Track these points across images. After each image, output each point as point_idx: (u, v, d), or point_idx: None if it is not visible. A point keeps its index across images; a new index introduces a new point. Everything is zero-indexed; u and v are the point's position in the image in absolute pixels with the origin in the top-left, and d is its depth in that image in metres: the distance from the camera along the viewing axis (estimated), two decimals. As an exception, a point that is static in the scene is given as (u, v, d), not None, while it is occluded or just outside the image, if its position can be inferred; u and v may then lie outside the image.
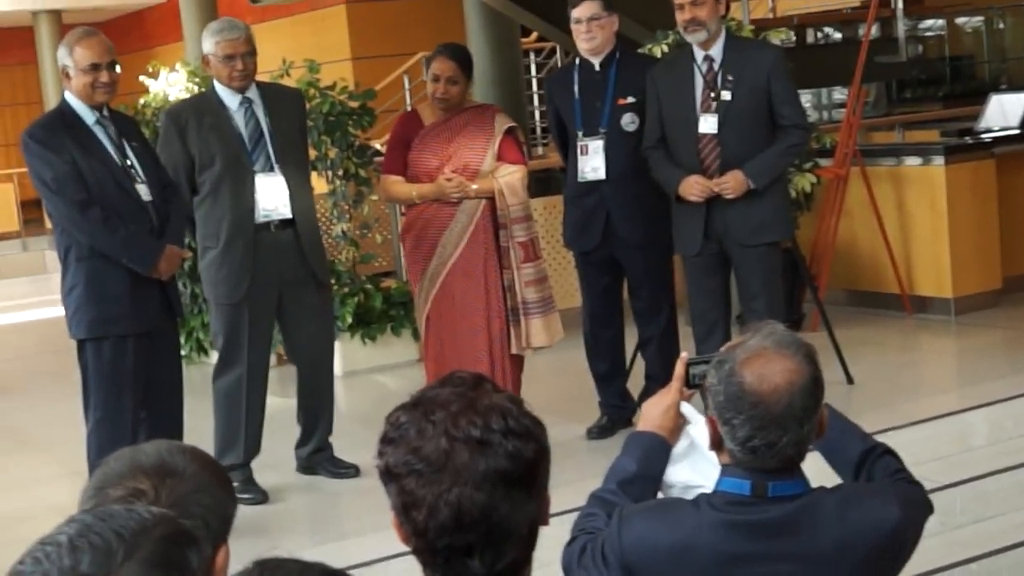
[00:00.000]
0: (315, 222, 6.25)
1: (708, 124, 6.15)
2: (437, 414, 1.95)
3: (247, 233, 5.88)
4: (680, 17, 6.14)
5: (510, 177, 6.19)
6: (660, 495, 2.89)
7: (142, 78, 10.25)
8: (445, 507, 1.91)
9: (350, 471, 6.20)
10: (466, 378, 2.02)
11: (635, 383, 6.69)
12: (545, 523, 2.04)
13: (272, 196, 5.91)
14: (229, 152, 5.88)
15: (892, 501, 2.64)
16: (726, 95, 6.12)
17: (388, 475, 1.98)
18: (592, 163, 6.38)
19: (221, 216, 5.89)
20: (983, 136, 9.33)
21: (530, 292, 6.22)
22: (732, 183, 6.06)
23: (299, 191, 6.00)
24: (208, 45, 5.92)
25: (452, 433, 1.92)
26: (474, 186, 6.13)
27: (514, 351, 6.26)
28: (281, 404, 6.70)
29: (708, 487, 2.67)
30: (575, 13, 6.37)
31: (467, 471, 1.91)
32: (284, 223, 5.95)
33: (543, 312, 6.25)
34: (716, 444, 2.63)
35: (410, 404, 2.00)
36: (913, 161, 8.77)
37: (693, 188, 6.10)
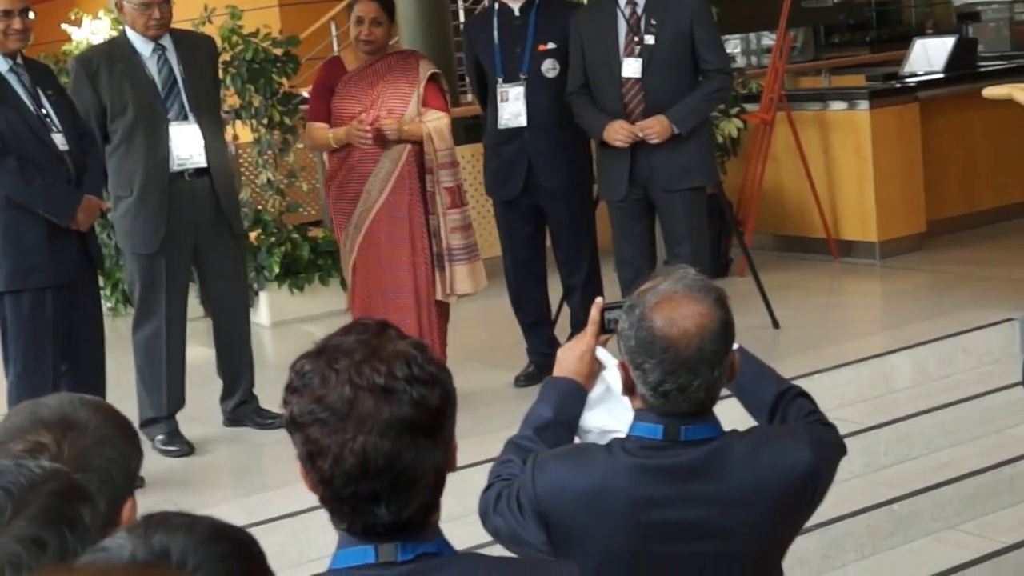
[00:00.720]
0: (229, 171, 6.17)
1: (632, 68, 6.14)
2: (341, 362, 1.93)
3: (162, 182, 5.80)
4: None
5: (437, 122, 6.14)
6: (577, 440, 2.89)
7: (64, 26, 10.09)
8: (350, 455, 1.90)
9: (276, 421, 6.14)
10: (370, 325, 2.01)
11: (563, 331, 6.71)
12: (452, 469, 2.03)
13: (187, 144, 5.82)
14: (142, 100, 5.79)
15: (804, 443, 2.66)
16: (649, 39, 6.12)
17: (293, 424, 1.97)
18: (512, 109, 6.34)
19: (134, 165, 5.81)
20: (908, 80, 9.38)
21: (455, 238, 6.19)
22: (656, 127, 6.06)
23: (213, 140, 5.92)
24: None
25: (356, 381, 1.91)
26: (405, 127, 6.06)
27: (439, 298, 6.23)
28: (207, 356, 6.64)
29: (624, 432, 2.67)
30: (493, -46, 6.33)
31: (371, 419, 1.90)
32: (199, 172, 5.87)
33: (468, 259, 6.23)
34: (628, 389, 2.62)
35: (314, 352, 1.98)
36: (838, 106, 8.80)
37: (617, 133, 6.09)
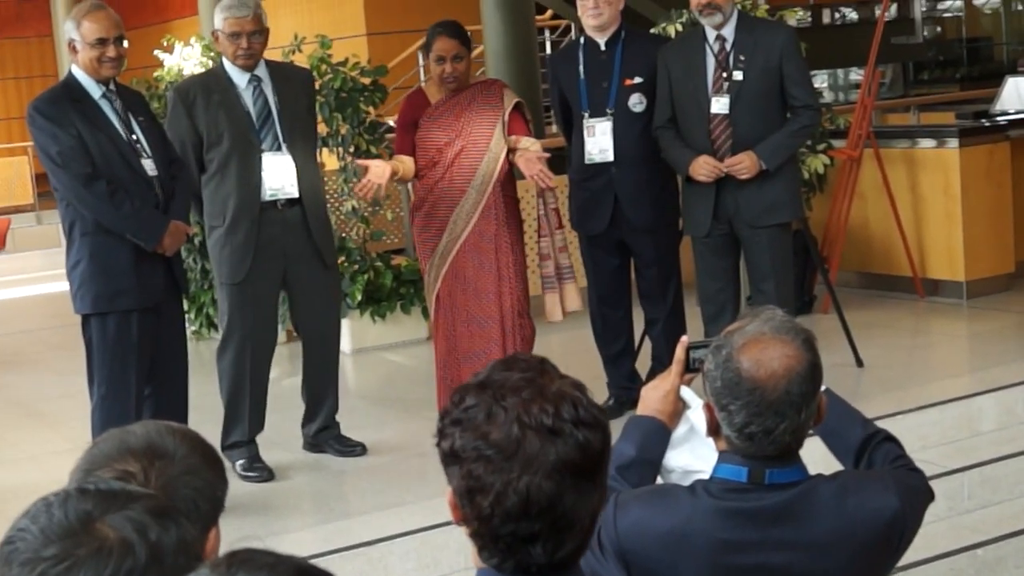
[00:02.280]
0: (322, 202, 6.21)
1: (720, 105, 6.11)
2: (508, 399, 1.91)
3: (253, 212, 5.86)
4: (695, 0, 6.10)
5: (537, 147, 6.18)
6: (659, 480, 2.87)
7: (157, 52, 10.24)
8: (513, 495, 1.88)
9: (356, 449, 6.20)
10: (532, 362, 1.99)
11: (643, 364, 6.68)
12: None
13: (279, 175, 5.88)
14: (237, 130, 5.85)
15: (891, 488, 2.62)
16: (738, 75, 6.09)
17: (452, 457, 1.95)
18: (600, 145, 6.32)
19: (227, 194, 5.87)
20: (998, 119, 9.27)
21: (564, 258, 6.26)
22: (746, 163, 6.03)
23: (306, 170, 5.97)
24: (217, 21, 5.89)
25: (524, 420, 1.89)
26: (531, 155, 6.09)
27: (553, 319, 6.31)
28: (290, 381, 6.69)
29: (707, 472, 2.64)
30: (582, -12, 6.32)
31: (537, 460, 1.88)
32: (290, 202, 5.93)
33: (573, 278, 6.33)
34: (713, 430, 2.60)
35: (476, 386, 1.96)
36: (927, 143, 8.71)
37: (703, 168, 6.07)
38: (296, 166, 5.90)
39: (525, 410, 1.89)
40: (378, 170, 6.12)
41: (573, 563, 1.98)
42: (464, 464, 1.92)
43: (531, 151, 6.12)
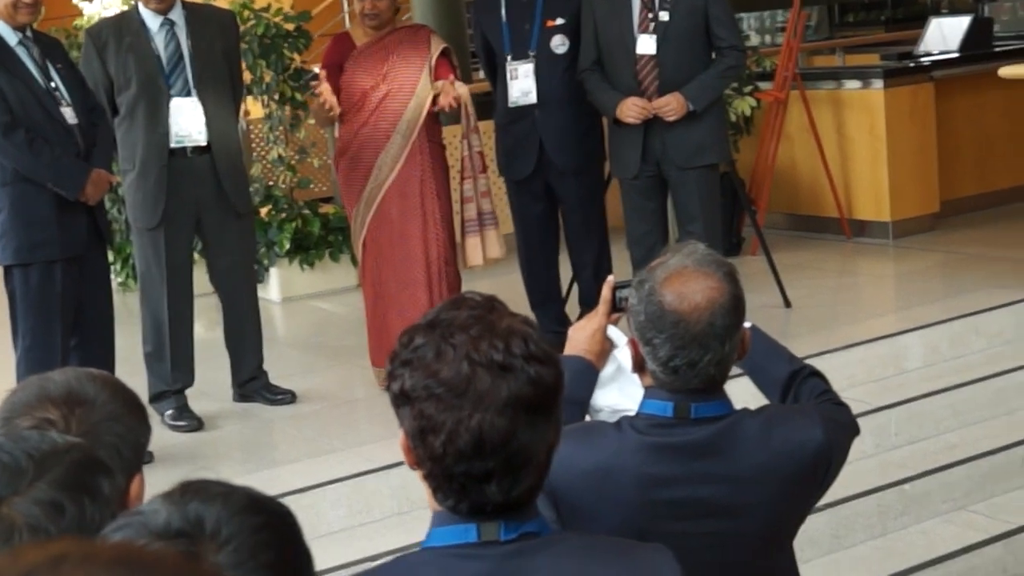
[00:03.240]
0: (235, 149, 6.10)
1: (646, 45, 6.10)
2: (457, 337, 1.89)
3: (162, 158, 5.79)
4: None
5: (463, 89, 6.13)
6: (588, 419, 2.87)
7: (76, 0, 10.07)
8: (465, 432, 1.86)
9: (286, 397, 6.17)
10: (480, 300, 1.97)
11: (572, 310, 6.69)
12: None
13: (187, 121, 5.79)
14: (145, 74, 5.77)
15: (816, 422, 2.63)
16: (664, 15, 6.08)
17: (403, 398, 1.91)
18: (522, 87, 6.30)
19: (136, 139, 5.80)
20: (922, 60, 9.32)
21: (486, 203, 6.21)
22: (673, 104, 6.03)
23: (217, 117, 5.88)
24: None
25: (473, 357, 1.87)
26: (462, 91, 6.03)
27: (473, 264, 6.22)
28: (217, 332, 6.63)
29: (636, 410, 2.65)
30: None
31: (489, 397, 1.86)
32: (200, 149, 5.85)
33: (495, 224, 6.25)
34: (638, 366, 2.60)
35: (425, 325, 1.93)
36: (852, 84, 8.76)
37: (631, 110, 6.06)
38: (206, 112, 5.81)
39: (474, 347, 1.87)
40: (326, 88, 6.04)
41: (529, 501, 1.97)
42: (415, 404, 1.89)
43: (462, 89, 6.09)
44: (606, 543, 2.12)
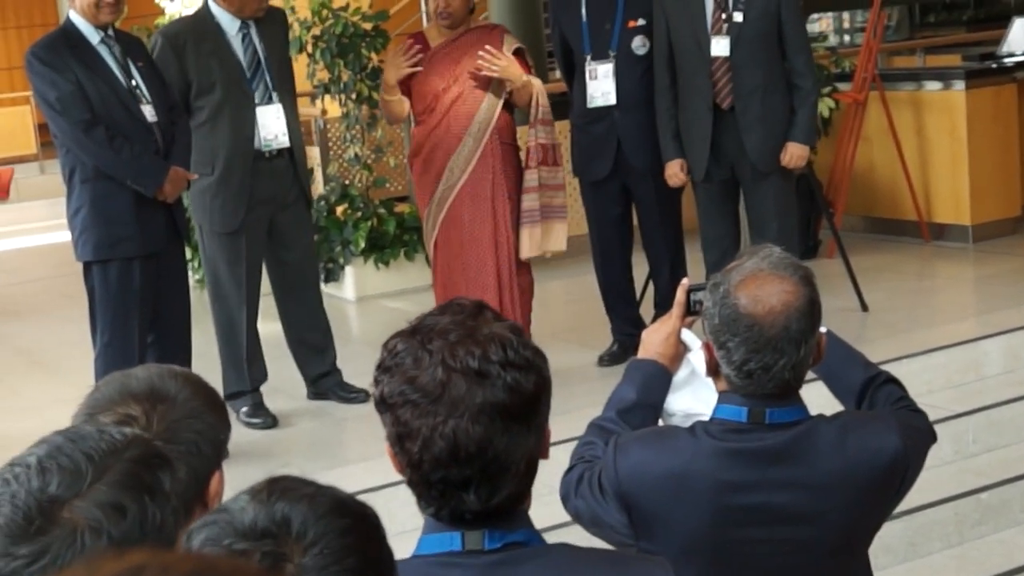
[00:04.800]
0: (304, 146, 6.23)
1: (720, 47, 6.06)
2: (435, 343, 1.88)
3: (247, 163, 5.85)
4: None
5: (538, 83, 6.13)
6: (661, 423, 2.85)
7: (158, 0, 10.17)
8: (440, 439, 1.85)
9: (360, 396, 6.18)
10: (466, 306, 1.96)
11: (648, 310, 6.66)
12: (545, 457, 1.98)
13: (272, 126, 5.87)
14: (231, 80, 5.82)
15: (893, 429, 2.60)
16: (738, 16, 6.03)
17: (383, 404, 1.92)
18: (602, 88, 6.27)
19: (218, 144, 5.83)
20: (1005, 61, 9.20)
21: (555, 196, 6.20)
22: (796, 155, 6.12)
23: (293, 118, 5.98)
24: None
25: (449, 363, 1.86)
26: (503, 61, 6.05)
27: (532, 254, 6.19)
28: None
29: (709, 415, 2.63)
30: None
31: (464, 403, 1.85)
32: (280, 151, 5.92)
33: (563, 216, 6.23)
34: (712, 369, 2.58)
35: (408, 331, 1.94)
36: (933, 86, 8.65)
37: (672, 179, 6.21)
38: (286, 115, 5.90)
39: (451, 353, 1.86)
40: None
41: (514, 510, 1.95)
42: (393, 410, 1.90)
43: (535, 81, 6.11)
44: (601, 555, 2.11)
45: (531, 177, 6.16)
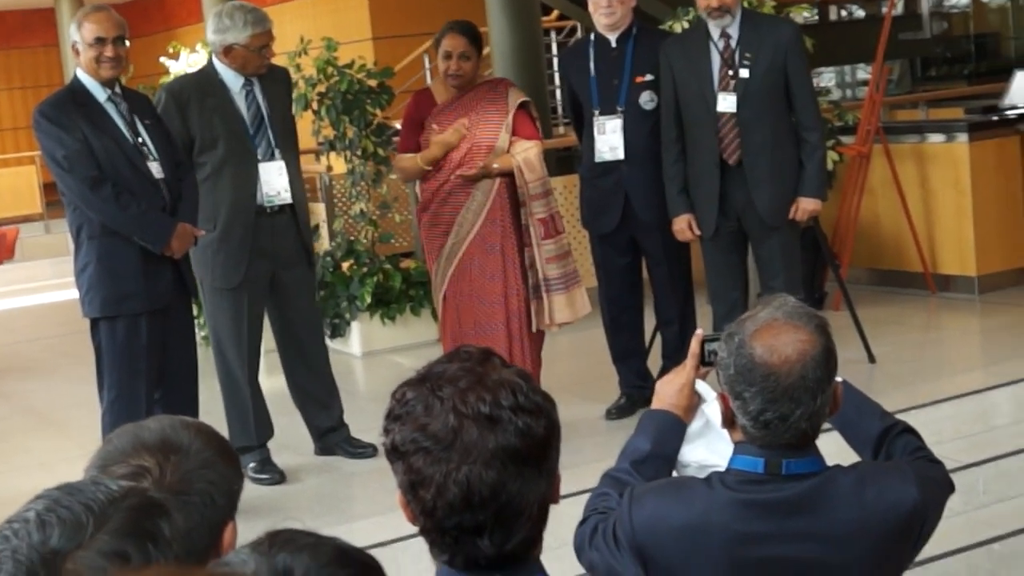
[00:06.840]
0: (306, 202, 6.24)
1: (727, 103, 6.07)
2: (445, 390, 1.89)
3: (248, 219, 5.86)
4: (704, 3, 6.04)
5: (527, 153, 6.12)
6: (675, 475, 2.84)
7: (162, 59, 10.23)
8: (454, 486, 1.85)
9: (367, 451, 6.17)
10: (473, 353, 1.96)
11: (655, 362, 6.65)
12: (555, 501, 1.98)
13: (274, 182, 5.89)
14: (234, 137, 5.84)
15: (911, 480, 2.58)
16: (744, 73, 6.05)
17: (394, 453, 1.93)
18: (610, 142, 6.29)
19: (220, 201, 5.85)
20: (1008, 113, 9.23)
21: (551, 268, 6.16)
22: (808, 209, 6.15)
23: (295, 174, 5.99)
24: (239, 37, 5.79)
25: (460, 409, 1.86)
26: (495, 164, 6.08)
27: (566, 320, 6.20)
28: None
29: (724, 466, 2.61)
30: (595, -13, 6.28)
31: (476, 449, 1.85)
32: (281, 206, 5.92)
33: (565, 288, 6.19)
34: (728, 421, 2.57)
35: (416, 380, 1.94)
36: (936, 138, 8.68)
37: (680, 234, 6.24)
38: (288, 172, 5.91)
39: (462, 399, 1.87)
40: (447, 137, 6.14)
41: (526, 555, 1.94)
42: (405, 458, 1.90)
43: (520, 156, 6.10)
44: None
45: (549, 247, 6.15)
